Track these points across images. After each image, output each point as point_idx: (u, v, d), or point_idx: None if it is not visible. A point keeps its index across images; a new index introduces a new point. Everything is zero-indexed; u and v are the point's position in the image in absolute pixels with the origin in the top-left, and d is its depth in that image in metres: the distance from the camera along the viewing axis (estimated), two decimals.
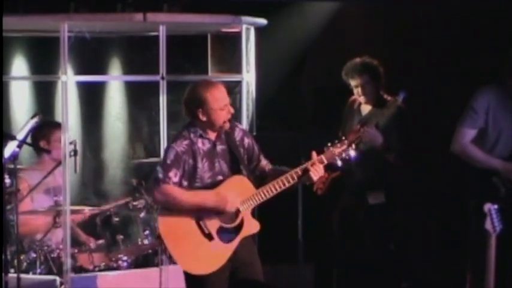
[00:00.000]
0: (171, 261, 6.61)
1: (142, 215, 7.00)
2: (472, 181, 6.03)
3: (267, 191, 5.33)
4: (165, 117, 6.58)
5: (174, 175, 5.27)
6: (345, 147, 5.36)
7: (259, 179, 5.45)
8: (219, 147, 5.41)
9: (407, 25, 7.39)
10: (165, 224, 5.32)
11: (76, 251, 6.65)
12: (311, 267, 7.37)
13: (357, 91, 6.57)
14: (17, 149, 5.93)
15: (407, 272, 7.06)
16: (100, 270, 6.63)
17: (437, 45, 7.33)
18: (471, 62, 7.05)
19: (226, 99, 5.35)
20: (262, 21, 6.95)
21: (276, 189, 5.33)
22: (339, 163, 5.43)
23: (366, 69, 6.53)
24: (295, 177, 5.33)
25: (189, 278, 5.37)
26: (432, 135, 7.02)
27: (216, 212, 5.27)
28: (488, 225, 4.91)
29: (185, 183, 5.31)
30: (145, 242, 6.89)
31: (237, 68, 6.90)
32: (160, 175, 5.27)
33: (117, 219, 6.96)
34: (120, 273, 6.59)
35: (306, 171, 5.32)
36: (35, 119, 6.27)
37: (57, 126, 6.64)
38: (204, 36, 7.53)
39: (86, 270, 6.62)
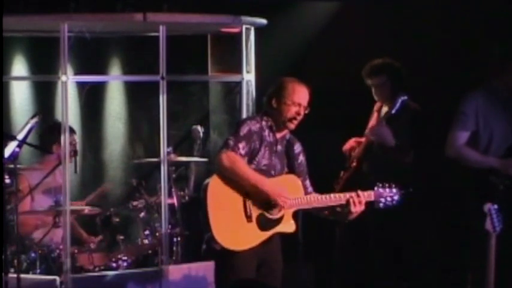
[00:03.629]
0: (171, 261, 6.68)
1: (142, 215, 7.00)
2: (471, 181, 6.03)
3: (313, 200, 5.50)
4: (165, 117, 6.58)
5: (242, 148, 5.38)
6: (392, 194, 5.55)
7: None
8: (279, 148, 5.55)
9: (407, 25, 7.39)
10: (215, 188, 5.36)
11: (76, 251, 6.65)
12: (311, 267, 7.37)
13: (373, 91, 6.61)
14: (17, 149, 5.93)
15: (408, 271, 7.05)
16: (100, 270, 6.63)
17: (437, 45, 7.32)
18: (472, 62, 7.05)
19: (304, 101, 5.49)
20: (262, 21, 6.95)
21: (322, 202, 5.49)
22: (381, 205, 5.56)
23: (383, 70, 6.56)
24: (343, 199, 5.46)
25: (220, 261, 5.41)
26: (432, 135, 7.01)
27: (266, 199, 5.36)
28: (488, 225, 4.92)
29: (246, 160, 5.41)
30: (145, 242, 6.89)
31: (237, 68, 6.91)
32: (231, 142, 5.37)
33: (117, 219, 6.96)
34: (120, 273, 6.59)
35: (349, 200, 5.46)
36: (35, 119, 6.28)
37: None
38: (204, 36, 7.53)
39: (86, 270, 6.62)
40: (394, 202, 5.55)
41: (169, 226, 6.71)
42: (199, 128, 7.27)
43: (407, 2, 7.37)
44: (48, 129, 6.95)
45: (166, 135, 6.59)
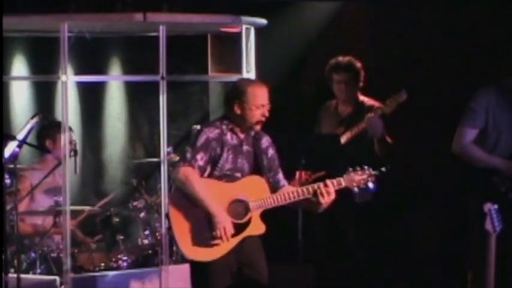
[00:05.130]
0: (171, 261, 6.68)
1: (142, 215, 7.01)
2: (472, 181, 6.03)
3: (280, 198, 5.37)
4: (165, 117, 6.58)
5: (201, 158, 5.34)
6: (365, 176, 5.39)
7: (272, 191, 5.48)
8: (245, 147, 5.49)
9: (407, 25, 7.39)
10: (176, 203, 5.35)
11: (76, 251, 6.66)
12: (311, 267, 7.37)
13: (339, 87, 6.65)
14: (17, 149, 5.93)
15: (405, 272, 7.06)
16: (100, 270, 6.63)
17: (437, 44, 7.32)
18: (471, 61, 7.05)
19: (265, 100, 5.42)
20: (262, 21, 6.96)
21: (289, 198, 5.38)
22: (356, 190, 5.41)
23: (353, 68, 6.62)
24: (310, 192, 5.34)
25: (194, 270, 5.39)
26: (432, 134, 7.01)
27: (209, 219, 5.27)
28: (488, 225, 4.90)
29: (208, 169, 5.37)
30: (145, 242, 6.90)
31: (237, 68, 6.90)
32: (189, 155, 5.34)
33: (117, 219, 6.96)
34: (120, 273, 6.59)
35: (316, 192, 5.34)
36: (35, 119, 6.28)
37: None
38: (204, 36, 7.53)
39: (86, 270, 6.62)
40: (368, 187, 5.35)
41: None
42: (199, 128, 7.27)
43: (407, 1, 7.37)
44: (42, 128, 6.94)
45: (166, 135, 6.59)
